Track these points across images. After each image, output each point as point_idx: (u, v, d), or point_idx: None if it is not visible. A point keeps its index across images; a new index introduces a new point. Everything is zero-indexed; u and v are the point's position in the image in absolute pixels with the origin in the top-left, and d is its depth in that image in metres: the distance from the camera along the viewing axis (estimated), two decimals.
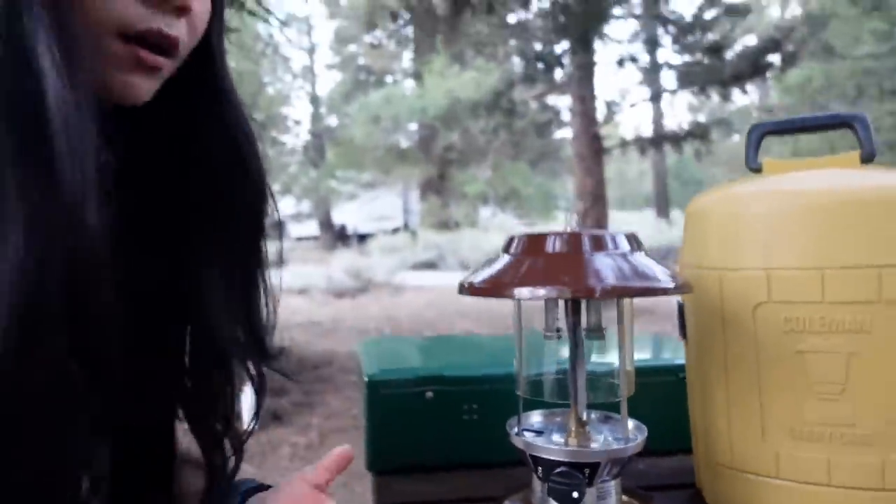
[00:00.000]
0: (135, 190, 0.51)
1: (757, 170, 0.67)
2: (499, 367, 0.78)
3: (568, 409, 0.53)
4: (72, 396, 0.40)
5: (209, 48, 0.52)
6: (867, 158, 0.63)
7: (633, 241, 0.51)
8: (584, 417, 0.53)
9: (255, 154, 0.55)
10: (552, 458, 0.48)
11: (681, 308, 0.68)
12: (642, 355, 0.92)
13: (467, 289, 0.50)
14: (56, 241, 0.37)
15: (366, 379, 0.79)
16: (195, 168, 0.53)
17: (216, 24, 0.53)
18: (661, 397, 0.73)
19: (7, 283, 0.35)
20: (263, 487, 0.59)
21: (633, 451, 0.50)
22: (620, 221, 16.51)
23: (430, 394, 0.78)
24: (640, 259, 0.49)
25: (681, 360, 0.74)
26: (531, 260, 0.49)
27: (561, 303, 0.52)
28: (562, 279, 0.47)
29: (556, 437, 0.52)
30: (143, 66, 0.45)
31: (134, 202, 0.51)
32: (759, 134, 0.68)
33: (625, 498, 0.52)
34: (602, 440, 0.52)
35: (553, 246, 0.49)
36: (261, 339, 0.57)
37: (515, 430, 0.53)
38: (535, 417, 0.56)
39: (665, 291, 0.47)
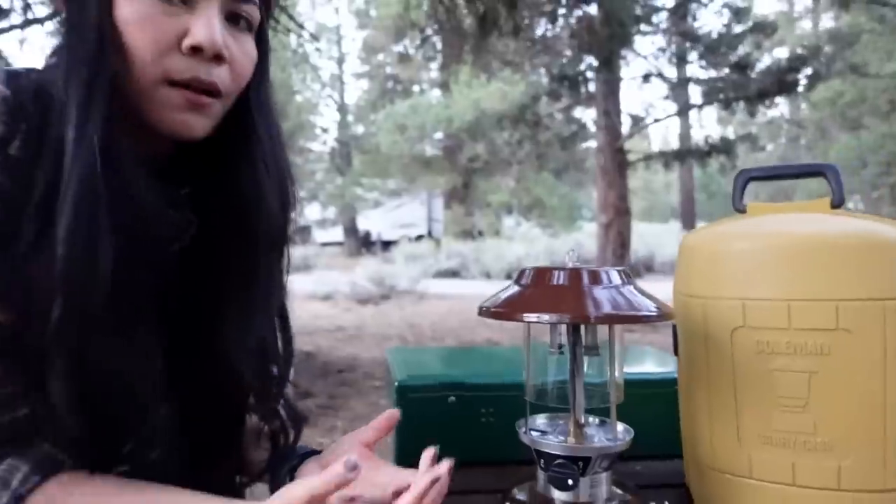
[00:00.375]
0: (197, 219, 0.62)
1: (742, 210, 0.77)
2: (512, 376, 0.89)
3: (568, 414, 0.64)
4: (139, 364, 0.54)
5: (246, 99, 0.62)
6: (837, 204, 0.72)
7: (625, 275, 0.61)
8: (582, 420, 0.63)
9: (284, 196, 0.64)
10: (552, 452, 0.59)
11: (674, 329, 0.78)
12: (646, 368, 1.02)
13: (485, 312, 0.61)
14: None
15: (396, 384, 0.90)
16: (225, 203, 0.62)
17: (257, 76, 0.62)
18: (658, 406, 0.83)
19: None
20: (317, 452, 0.70)
21: (620, 449, 0.60)
22: (645, 233, 16.41)
23: (452, 398, 0.88)
24: (630, 291, 0.60)
25: (675, 374, 0.84)
26: (539, 290, 0.59)
27: (563, 325, 0.62)
28: (564, 307, 0.57)
29: (557, 436, 0.62)
30: (192, 107, 0.56)
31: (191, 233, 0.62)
32: (745, 179, 0.78)
33: (614, 489, 0.62)
34: (595, 439, 0.62)
35: (557, 279, 0.60)
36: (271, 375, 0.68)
37: (523, 429, 0.63)
38: (541, 419, 0.67)
39: (649, 319, 0.57)
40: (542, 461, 0.60)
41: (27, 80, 0.54)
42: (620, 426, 0.64)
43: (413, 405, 0.89)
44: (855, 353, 0.64)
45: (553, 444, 0.60)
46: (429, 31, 8.03)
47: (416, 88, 20.85)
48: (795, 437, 0.66)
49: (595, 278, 0.59)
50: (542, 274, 0.61)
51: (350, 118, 22.79)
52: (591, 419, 0.65)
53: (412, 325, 7.06)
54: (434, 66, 19.18)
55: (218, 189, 0.62)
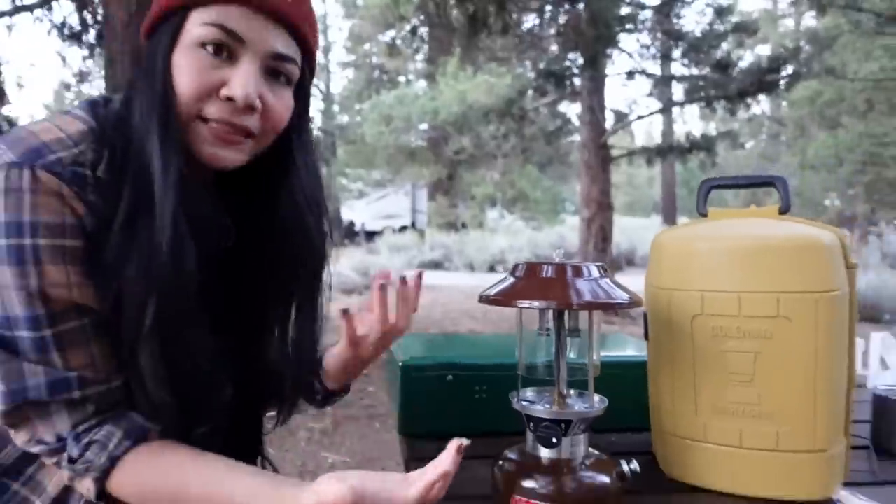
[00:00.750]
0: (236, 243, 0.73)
1: (704, 214, 0.89)
2: (500, 358, 1.01)
3: (553, 387, 0.75)
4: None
5: (288, 140, 0.72)
6: (783, 211, 0.84)
7: (603, 269, 0.73)
8: (565, 392, 0.75)
9: (319, 224, 0.75)
10: (540, 416, 0.70)
11: (645, 317, 0.90)
12: (622, 352, 1.15)
13: (486, 299, 0.73)
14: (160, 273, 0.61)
15: (400, 364, 1.01)
16: (270, 231, 0.73)
17: (298, 122, 0.73)
18: (632, 385, 0.95)
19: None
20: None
21: (595, 414, 0.72)
22: (627, 227, 16.61)
23: (450, 377, 1.00)
24: (606, 283, 0.71)
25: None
26: (530, 281, 0.71)
27: (550, 311, 0.74)
28: (551, 296, 0.69)
29: (544, 404, 0.74)
30: (222, 142, 0.66)
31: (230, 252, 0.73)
32: (708, 188, 0.90)
33: (591, 450, 0.74)
34: (575, 406, 0.74)
35: (546, 272, 0.71)
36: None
37: (516, 399, 0.75)
38: (530, 391, 0.78)
39: (621, 306, 0.69)
40: (531, 424, 0.72)
41: (106, 110, 0.65)
42: (596, 397, 0.75)
43: (416, 383, 1.00)
44: (793, 337, 0.76)
45: (540, 409, 0.71)
46: (416, 23, 8.09)
47: (401, 79, 20.83)
48: (743, 408, 0.79)
49: (577, 272, 0.71)
50: (533, 268, 0.73)
51: (335, 108, 22.73)
52: (572, 391, 0.77)
53: None
54: (420, 56, 19.18)
55: (260, 214, 0.73)
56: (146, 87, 0.64)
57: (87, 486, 0.62)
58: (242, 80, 0.63)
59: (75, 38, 5.98)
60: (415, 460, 0.93)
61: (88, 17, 5.77)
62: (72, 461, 0.61)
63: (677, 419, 0.84)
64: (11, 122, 5.89)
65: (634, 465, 0.73)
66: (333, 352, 0.87)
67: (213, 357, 0.68)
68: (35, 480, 0.67)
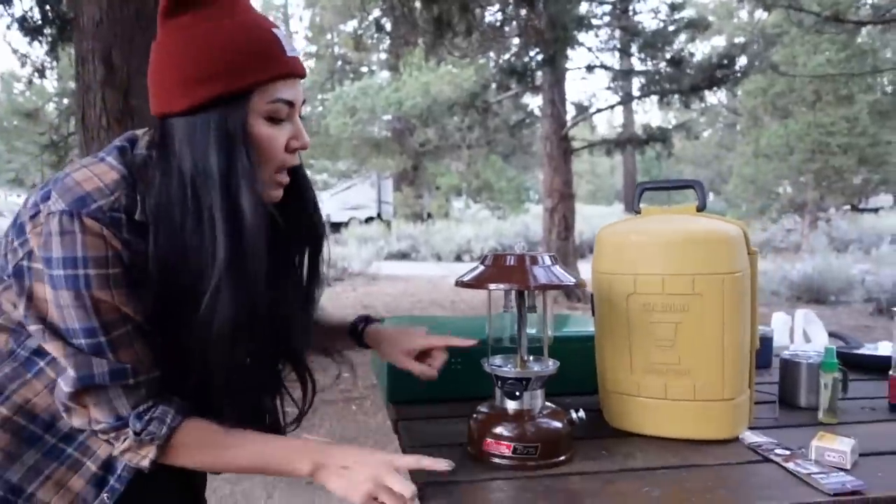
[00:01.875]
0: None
1: (638, 211, 1.08)
2: (472, 335, 1.18)
3: (516, 353, 0.94)
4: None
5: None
6: (700, 208, 1.04)
7: (554, 259, 0.92)
8: (525, 357, 0.94)
9: (319, 214, 0.94)
10: (506, 375, 0.89)
11: (591, 296, 1.09)
12: (578, 329, 1.34)
13: (462, 283, 0.91)
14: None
15: None
16: (288, 226, 0.90)
17: None
18: (585, 355, 1.14)
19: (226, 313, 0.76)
20: (373, 320, 1.12)
21: (549, 373, 0.90)
22: (590, 215, 16.96)
23: None
24: (557, 269, 0.90)
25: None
26: (496, 268, 0.89)
27: (513, 292, 0.92)
28: (514, 279, 0.87)
29: (509, 366, 0.93)
30: (280, 185, 0.85)
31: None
32: (641, 190, 1.09)
33: (547, 403, 0.93)
34: (534, 367, 0.92)
35: (509, 261, 0.90)
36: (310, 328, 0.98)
37: (487, 363, 0.93)
38: (497, 358, 0.97)
39: (568, 287, 0.88)
40: (499, 382, 0.90)
41: (133, 157, 0.80)
42: (550, 361, 0.94)
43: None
44: (705, 309, 0.96)
45: (506, 370, 0.90)
46: (379, 14, 8.17)
47: (364, 70, 20.79)
48: (667, 367, 0.99)
49: (534, 260, 0.89)
50: (498, 258, 0.91)
51: None
52: (531, 356, 0.95)
53: (366, 307, 7.30)
54: (383, 47, 19.16)
55: (286, 215, 0.89)
56: (219, 154, 0.76)
57: (146, 454, 0.78)
58: (302, 132, 0.83)
59: (35, 32, 5.92)
60: (402, 420, 1.11)
61: (50, 12, 5.72)
62: (136, 434, 0.77)
63: (616, 378, 1.03)
64: None
65: (581, 413, 0.92)
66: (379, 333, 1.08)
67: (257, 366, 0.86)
68: (85, 445, 0.81)
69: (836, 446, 0.89)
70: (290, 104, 0.81)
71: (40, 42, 5.98)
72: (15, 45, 7.51)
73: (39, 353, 0.79)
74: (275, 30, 0.80)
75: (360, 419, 3.46)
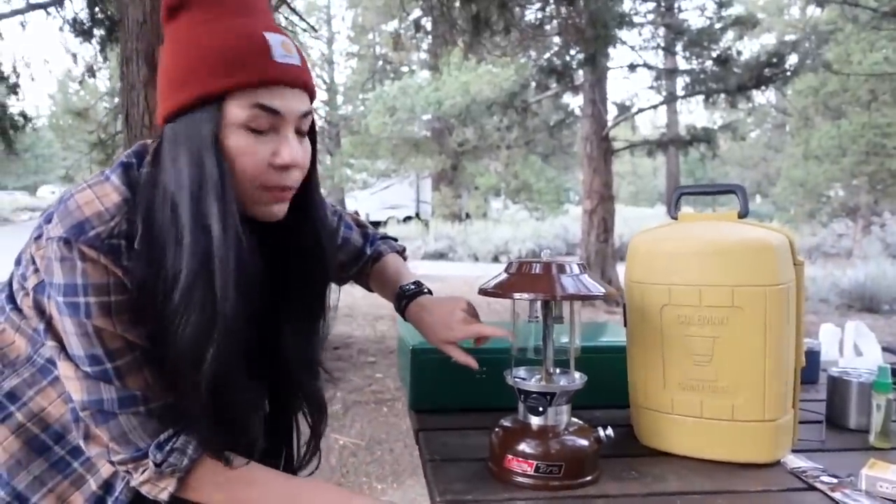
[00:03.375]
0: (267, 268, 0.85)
1: (675, 217, 1.02)
2: (498, 343, 1.13)
3: (541, 365, 0.89)
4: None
5: (308, 178, 0.83)
6: (742, 215, 0.98)
7: (582, 267, 0.87)
8: (551, 370, 0.89)
9: (331, 245, 0.89)
10: (529, 389, 0.84)
11: (624, 307, 1.03)
12: (608, 338, 1.28)
13: (485, 291, 0.86)
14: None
15: (411, 348, 1.15)
16: (292, 251, 0.85)
17: (312, 159, 0.83)
18: (615, 367, 1.08)
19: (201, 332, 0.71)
20: (421, 292, 1.02)
21: (576, 388, 0.86)
22: (631, 217, 16.66)
23: (453, 360, 1.14)
24: (586, 278, 0.85)
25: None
26: (521, 276, 0.85)
27: (539, 301, 0.88)
28: (539, 288, 0.83)
29: (533, 379, 0.88)
30: (277, 200, 0.78)
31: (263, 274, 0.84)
32: (678, 194, 1.03)
33: (573, 419, 0.88)
34: (560, 381, 0.88)
35: (535, 269, 0.85)
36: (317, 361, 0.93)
37: (510, 375, 0.89)
38: (521, 370, 0.92)
39: (597, 298, 0.83)
40: (522, 396, 0.86)
41: (138, 174, 0.76)
42: (577, 374, 0.89)
43: (424, 364, 1.14)
44: (745, 323, 0.90)
45: (530, 383, 0.85)
46: (419, 14, 8.17)
47: (405, 70, 20.86)
48: (703, 383, 0.93)
49: (561, 269, 0.84)
50: (523, 265, 0.86)
51: (339, 99, 22.78)
52: (557, 369, 0.91)
53: None
54: (424, 46, 19.19)
55: (287, 240, 0.84)
56: (190, 166, 0.71)
57: (166, 486, 0.75)
58: (289, 148, 0.75)
59: (85, 34, 6.10)
60: (423, 430, 1.08)
61: (98, 13, 5.89)
62: (157, 465, 0.74)
63: (649, 394, 0.98)
64: (26, 117, 6.04)
65: (609, 431, 0.87)
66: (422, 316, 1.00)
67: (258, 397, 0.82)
68: (90, 462, 0.79)
69: (890, 476, 0.82)
70: (275, 113, 0.73)
71: (90, 42, 6.16)
72: (68, 46, 7.75)
73: (54, 361, 0.77)
74: (269, 33, 0.73)
75: (391, 421, 3.45)
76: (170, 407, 0.76)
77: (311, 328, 0.90)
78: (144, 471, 0.75)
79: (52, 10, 5.77)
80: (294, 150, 0.75)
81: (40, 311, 0.76)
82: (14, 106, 6.26)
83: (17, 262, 0.80)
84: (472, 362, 0.94)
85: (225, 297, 0.71)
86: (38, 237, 0.74)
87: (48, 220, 0.73)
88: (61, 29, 5.95)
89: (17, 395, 0.79)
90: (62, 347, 0.74)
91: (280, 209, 0.80)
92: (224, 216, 0.71)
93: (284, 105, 0.74)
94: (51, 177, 28.27)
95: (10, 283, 0.82)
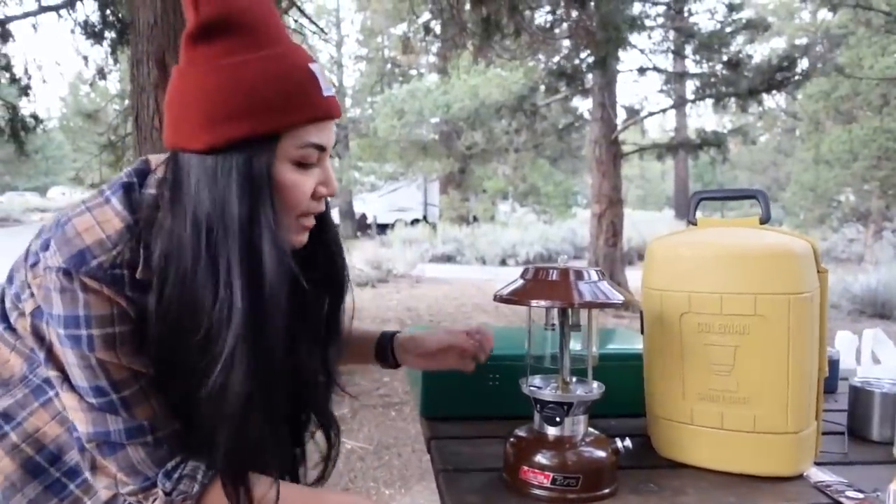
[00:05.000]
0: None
1: (694, 223, 1.00)
2: (512, 350, 1.12)
3: (558, 374, 0.87)
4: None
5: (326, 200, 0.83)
6: (764, 221, 0.95)
7: (601, 273, 0.85)
8: (567, 378, 0.87)
9: (343, 262, 0.87)
10: (546, 399, 0.82)
11: (641, 314, 1.01)
12: (624, 345, 1.26)
13: (500, 298, 0.84)
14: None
15: None
16: (309, 273, 0.82)
17: None
18: (631, 374, 1.06)
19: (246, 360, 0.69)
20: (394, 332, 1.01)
21: (594, 398, 0.83)
22: (639, 221, 16.58)
23: None
24: (604, 285, 0.83)
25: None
26: (537, 283, 0.83)
27: (555, 309, 0.86)
28: (556, 295, 0.80)
29: (550, 388, 0.86)
30: (305, 230, 0.78)
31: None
32: (698, 199, 1.01)
33: (590, 429, 0.86)
34: (576, 391, 0.85)
35: (552, 275, 0.83)
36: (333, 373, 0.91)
37: (525, 384, 0.87)
38: (537, 378, 0.90)
39: (615, 305, 0.81)
40: (538, 406, 0.84)
41: (140, 197, 0.73)
42: (595, 383, 0.87)
43: (436, 371, 1.12)
44: (767, 332, 0.87)
45: (546, 393, 0.83)
46: (428, 17, 8.18)
47: (413, 73, 20.88)
48: (723, 394, 0.90)
49: (579, 275, 0.82)
50: (540, 271, 0.84)
51: (348, 102, 22.82)
52: (573, 378, 0.88)
53: (409, 309, 7.30)
54: (433, 49, 19.20)
55: (304, 263, 0.81)
56: (241, 203, 0.69)
57: None
58: (331, 178, 0.77)
59: (96, 36, 6.13)
60: (435, 439, 1.06)
61: (110, 16, 5.91)
62: (167, 494, 0.72)
63: (667, 404, 0.95)
64: (37, 119, 6.07)
65: (627, 442, 0.85)
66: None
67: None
68: (88, 484, 0.77)
69: None
70: (322, 148, 0.74)
71: (101, 45, 6.19)
72: (79, 49, 7.79)
73: (51, 381, 0.75)
74: (312, 65, 0.72)
75: (399, 426, 3.43)
76: (177, 433, 0.75)
77: (327, 349, 0.88)
78: (155, 500, 0.73)
79: (63, 12, 5.79)
80: (334, 181, 0.77)
81: (39, 336, 0.73)
82: (25, 108, 6.30)
83: (9, 281, 0.77)
84: (467, 367, 1.00)
85: (276, 344, 0.70)
86: (35, 264, 0.71)
87: (45, 247, 0.70)
88: (72, 31, 5.98)
89: (10, 415, 0.77)
90: (65, 377, 0.72)
91: (306, 236, 0.79)
92: (279, 255, 0.70)
93: (328, 139, 0.75)
94: (61, 178, 28.46)
95: (1, 301, 0.79)
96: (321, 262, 0.84)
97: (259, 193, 0.69)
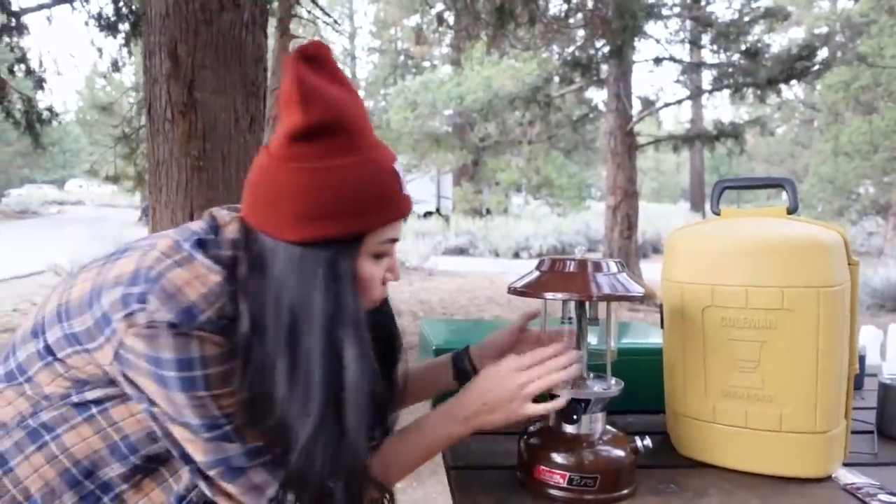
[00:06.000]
0: None
1: (717, 213, 0.96)
2: None
3: None
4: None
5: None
6: (791, 211, 0.91)
7: (620, 265, 0.81)
8: (585, 374, 0.83)
9: (397, 331, 0.92)
10: (562, 395, 0.79)
11: (660, 307, 0.97)
12: (643, 339, 1.22)
13: (514, 291, 0.81)
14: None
15: (434, 347, 1.10)
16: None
17: None
18: (650, 370, 1.03)
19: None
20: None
21: (612, 395, 0.80)
22: (654, 214, 16.44)
23: None
24: (623, 277, 0.79)
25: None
26: (554, 275, 0.79)
27: (573, 302, 0.82)
28: (573, 288, 0.77)
29: (567, 385, 0.82)
30: (370, 310, 0.79)
31: None
32: (721, 188, 0.97)
33: (608, 427, 0.83)
34: (594, 387, 0.82)
35: (568, 267, 0.79)
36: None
37: None
38: None
39: (635, 299, 0.77)
40: None
41: (218, 253, 0.74)
42: (613, 380, 0.84)
43: None
44: (795, 327, 0.83)
45: (563, 389, 0.80)
46: (442, 8, 8.11)
47: (427, 64, 20.79)
48: (748, 391, 0.86)
49: (597, 267, 0.79)
50: (556, 263, 0.81)
51: (361, 94, 22.72)
52: (591, 374, 0.85)
53: (422, 301, 7.28)
54: (446, 40, 19.09)
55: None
56: (325, 298, 0.71)
57: None
58: (397, 265, 0.81)
59: (110, 28, 6.14)
60: None
61: (123, 7, 5.92)
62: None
63: (689, 401, 0.92)
64: (53, 112, 6.10)
65: (647, 441, 0.81)
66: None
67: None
68: (121, 499, 0.77)
69: None
70: (396, 241, 0.78)
71: (115, 37, 6.20)
72: (94, 41, 7.82)
73: (95, 400, 0.75)
74: (395, 164, 0.76)
75: (412, 419, 3.40)
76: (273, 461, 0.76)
77: (384, 415, 0.90)
78: None
79: (77, 4, 5.80)
80: (398, 268, 0.82)
81: (109, 380, 0.74)
82: (42, 101, 6.33)
83: (65, 318, 0.76)
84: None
85: (358, 434, 0.72)
86: (130, 314, 0.70)
87: (141, 300, 0.69)
88: (87, 23, 5.99)
89: (52, 427, 0.77)
90: (168, 415, 0.72)
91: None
92: (362, 352, 0.72)
93: (401, 231, 0.79)
94: (78, 171, 28.71)
95: (41, 331, 0.77)
96: (378, 334, 0.84)
97: (343, 288, 0.72)
